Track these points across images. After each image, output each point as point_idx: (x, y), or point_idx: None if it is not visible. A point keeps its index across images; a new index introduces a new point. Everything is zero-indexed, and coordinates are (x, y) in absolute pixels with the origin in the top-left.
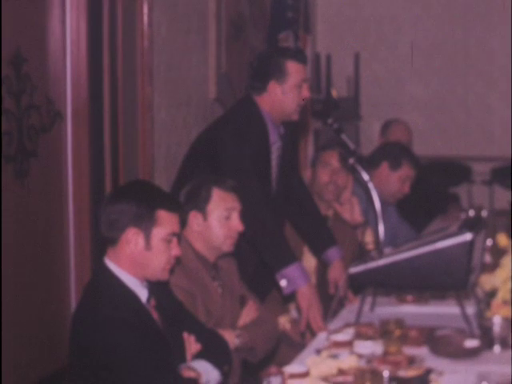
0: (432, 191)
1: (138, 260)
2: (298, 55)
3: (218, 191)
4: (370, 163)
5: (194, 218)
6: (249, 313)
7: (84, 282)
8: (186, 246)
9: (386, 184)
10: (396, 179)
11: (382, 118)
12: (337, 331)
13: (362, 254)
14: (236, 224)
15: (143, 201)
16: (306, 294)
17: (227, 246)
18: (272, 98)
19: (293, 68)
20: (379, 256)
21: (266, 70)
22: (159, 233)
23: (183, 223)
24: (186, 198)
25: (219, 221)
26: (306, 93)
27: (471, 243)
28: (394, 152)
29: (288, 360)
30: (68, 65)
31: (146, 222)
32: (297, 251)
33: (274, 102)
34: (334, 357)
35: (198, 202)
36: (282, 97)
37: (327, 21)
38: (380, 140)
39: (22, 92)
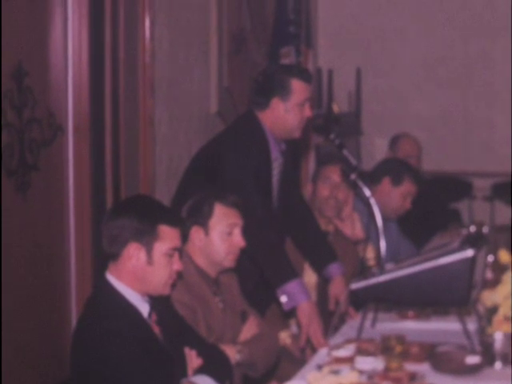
0: (433, 207)
1: (139, 275)
2: (304, 74)
3: (220, 207)
4: (372, 178)
5: (196, 234)
6: (250, 328)
7: (85, 297)
8: (188, 261)
9: (387, 199)
10: (398, 195)
11: (383, 133)
12: (338, 347)
13: (363, 270)
14: (238, 240)
15: (144, 216)
16: (307, 310)
17: (229, 262)
18: (274, 115)
19: (297, 86)
20: (380, 272)
21: (270, 87)
22: (161, 247)
23: (184, 238)
24: (188, 213)
25: (221, 236)
26: (308, 112)
27: (473, 259)
28: (395, 168)
29: (289, 375)
30: (69, 78)
31: (147, 237)
32: (297, 267)
33: (276, 118)
34: (335, 372)
35: (200, 217)
36: (285, 114)
37: (329, 35)
38: (388, 155)
39: (23, 105)
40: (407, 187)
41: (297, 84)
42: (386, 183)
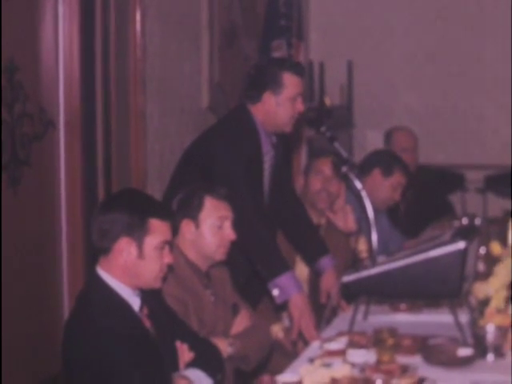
0: (426, 199)
1: (130, 269)
2: (296, 68)
3: (210, 199)
4: (362, 170)
5: (187, 227)
6: (241, 321)
7: (77, 291)
8: (178, 254)
9: (377, 191)
10: (388, 186)
11: (375, 125)
12: (330, 340)
13: (355, 263)
14: (228, 233)
15: (135, 210)
16: (298, 304)
17: (220, 255)
18: (266, 108)
19: (289, 80)
20: (372, 264)
21: (262, 80)
22: (152, 241)
23: (175, 231)
24: (178, 206)
25: (211, 229)
26: (299, 106)
27: (464, 251)
28: (386, 159)
29: (281, 368)
30: (61, 73)
31: (138, 231)
32: (289, 260)
33: (267, 112)
34: (327, 365)
35: (191, 210)
36: (276, 108)
37: (320, 29)
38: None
39: (14, 101)
40: (397, 178)
41: (289, 78)
42: (376, 174)
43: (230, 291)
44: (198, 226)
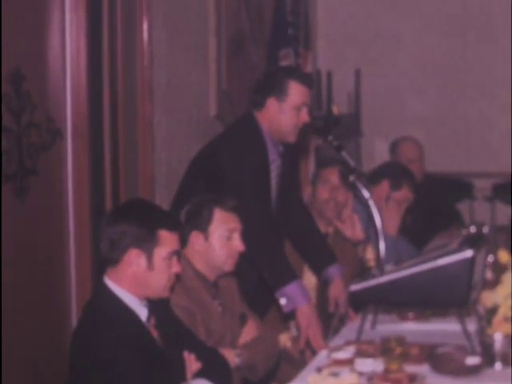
0: (434, 208)
1: (139, 280)
2: (304, 78)
3: (219, 212)
4: (371, 179)
5: (196, 239)
6: (249, 331)
7: (84, 300)
8: (186, 264)
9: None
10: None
11: (383, 134)
12: (337, 349)
13: (363, 271)
14: (237, 244)
15: (144, 221)
16: (306, 313)
17: (228, 266)
18: (270, 115)
19: (295, 89)
20: (380, 273)
21: (267, 86)
22: (161, 252)
23: (183, 242)
24: (187, 218)
25: (221, 241)
26: (304, 117)
27: (472, 260)
28: (396, 172)
29: (289, 378)
30: (68, 82)
31: (147, 243)
32: (297, 270)
33: (271, 119)
34: (335, 375)
35: (200, 222)
36: (279, 115)
37: (328, 37)
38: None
39: (22, 110)
40: (404, 194)
41: (294, 86)
42: (384, 186)
43: (238, 301)
44: (207, 238)
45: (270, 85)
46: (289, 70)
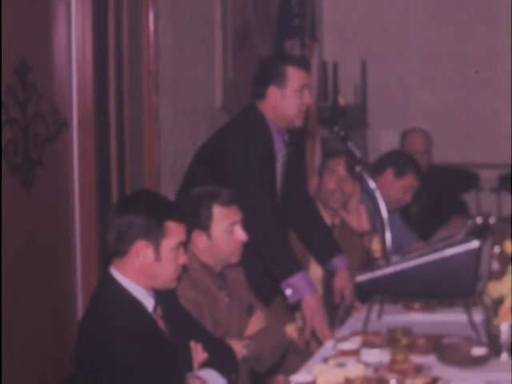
0: (440, 198)
1: (147, 271)
2: (299, 61)
3: (218, 208)
4: (376, 169)
5: (198, 237)
6: (256, 322)
7: (91, 291)
8: (192, 257)
9: (388, 191)
10: (399, 187)
11: (389, 125)
12: (344, 340)
13: (369, 262)
14: (239, 235)
15: (151, 213)
16: (311, 304)
17: (235, 258)
18: (272, 104)
19: (292, 73)
20: (386, 264)
21: (266, 75)
22: (168, 244)
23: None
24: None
25: (223, 236)
26: (307, 98)
27: (478, 251)
28: (400, 160)
29: (295, 368)
30: (74, 73)
31: (155, 234)
32: (303, 261)
33: (275, 107)
34: (341, 365)
35: (200, 221)
36: (282, 102)
37: (334, 28)
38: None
39: (27, 101)
40: (409, 180)
41: (292, 70)
42: (388, 174)
43: (245, 292)
44: (209, 236)
45: (269, 74)
46: (283, 56)
